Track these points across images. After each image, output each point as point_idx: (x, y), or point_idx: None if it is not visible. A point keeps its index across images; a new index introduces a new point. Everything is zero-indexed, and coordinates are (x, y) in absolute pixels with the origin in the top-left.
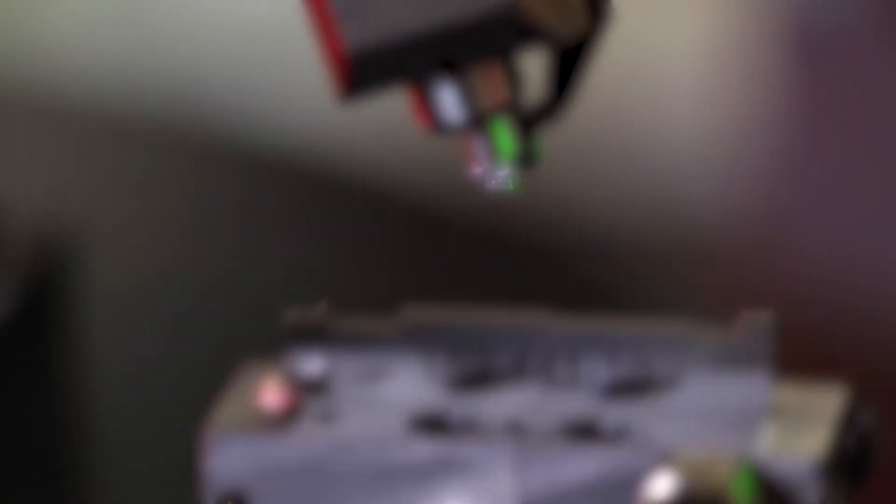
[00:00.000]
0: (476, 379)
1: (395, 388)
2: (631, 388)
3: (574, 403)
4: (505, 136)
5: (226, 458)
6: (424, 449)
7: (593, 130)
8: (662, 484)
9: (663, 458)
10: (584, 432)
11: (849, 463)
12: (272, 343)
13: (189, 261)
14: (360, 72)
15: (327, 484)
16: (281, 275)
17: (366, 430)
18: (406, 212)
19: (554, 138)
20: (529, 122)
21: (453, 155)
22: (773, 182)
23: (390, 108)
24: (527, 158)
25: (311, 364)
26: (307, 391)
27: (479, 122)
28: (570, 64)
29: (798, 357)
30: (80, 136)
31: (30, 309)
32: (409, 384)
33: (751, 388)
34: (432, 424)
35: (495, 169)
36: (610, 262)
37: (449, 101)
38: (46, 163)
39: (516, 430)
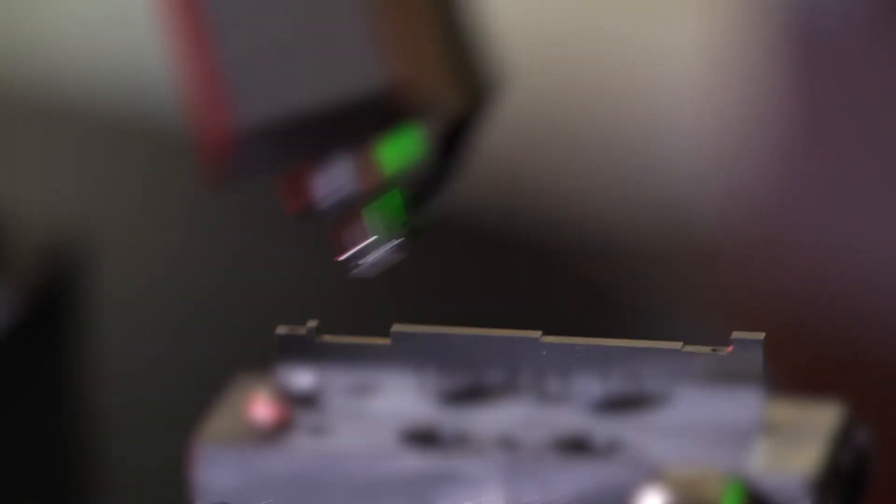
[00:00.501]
0: (467, 393)
1: (386, 401)
2: (623, 403)
3: (565, 418)
4: (390, 210)
5: (216, 470)
6: (415, 463)
7: (592, 129)
8: (653, 500)
9: (654, 473)
10: (576, 447)
11: (845, 479)
12: (272, 348)
13: (193, 263)
14: (244, 151)
15: (318, 497)
16: (282, 275)
17: (356, 444)
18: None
19: (553, 138)
20: (418, 195)
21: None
22: (773, 182)
23: None
24: (413, 232)
25: (302, 377)
26: (298, 404)
27: (355, 203)
28: (456, 136)
29: (797, 357)
30: (81, 139)
31: (35, 316)
32: (399, 398)
33: (743, 404)
34: (423, 438)
35: (367, 251)
36: (610, 262)
37: (330, 181)
38: (48, 166)
39: (507, 445)
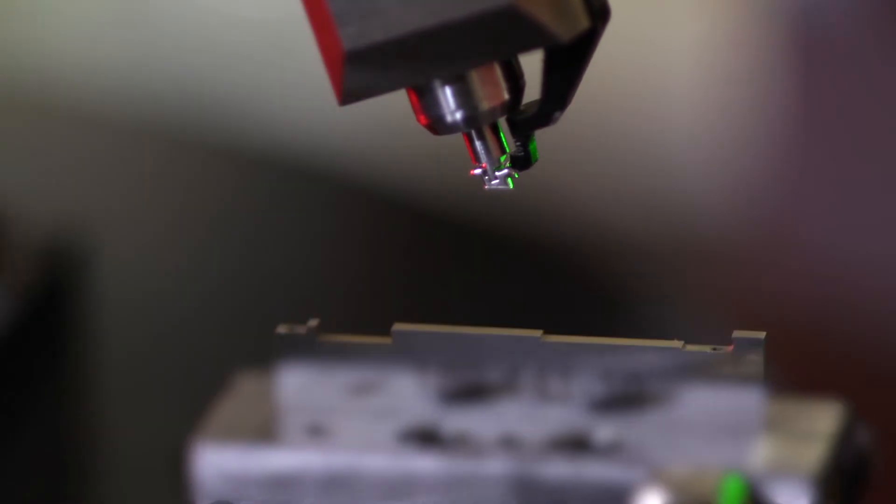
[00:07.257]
0: (468, 392)
1: (387, 400)
2: (623, 402)
3: (566, 417)
4: (503, 137)
5: (216, 467)
6: (416, 463)
7: (593, 130)
8: (653, 498)
9: (654, 472)
10: (577, 446)
11: (845, 478)
12: (272, 348)
13: (193, 262)
14: (358, 73)
15: (318, 497)
16: (283, 275)
17: (356, 444)
18: (406, 211)
19: (554, 138)
20: (528, 124)
21: (453, 155)
22: (773, 182)
23: (390, 107)
24: (525, 159)
25: (303, 376)
26: (298, 403)
27: (477, 123)
28: (567, 65)
29: (797, 357)
30: (81, 137)
31: (35, 315)
32: (401, 397)
33: (745, 403)
34: (424, 437)
35: (495, 169)
36: (610, 262)
37: (447, 102)
38: (48, 165)
39: (508, 444)
